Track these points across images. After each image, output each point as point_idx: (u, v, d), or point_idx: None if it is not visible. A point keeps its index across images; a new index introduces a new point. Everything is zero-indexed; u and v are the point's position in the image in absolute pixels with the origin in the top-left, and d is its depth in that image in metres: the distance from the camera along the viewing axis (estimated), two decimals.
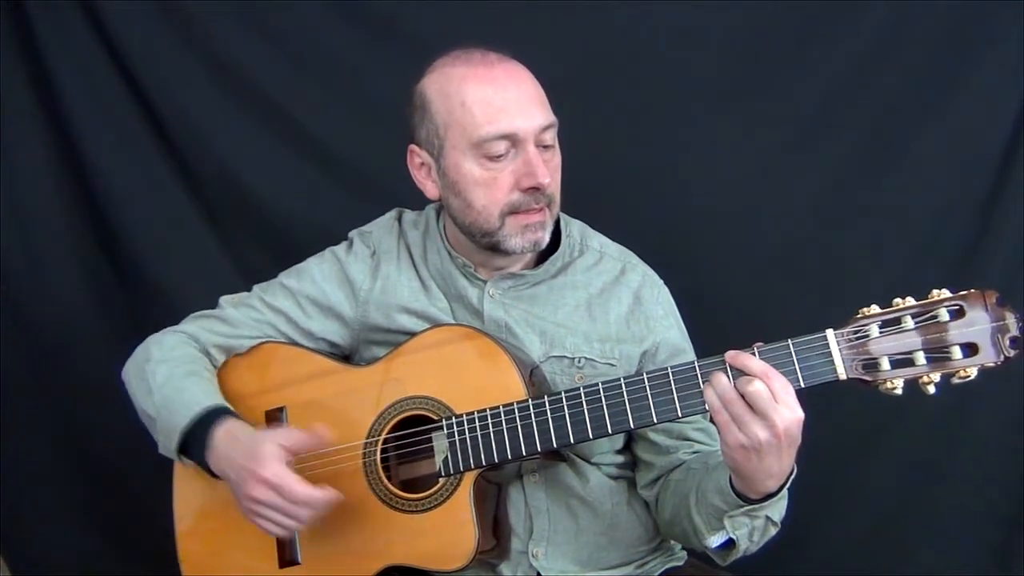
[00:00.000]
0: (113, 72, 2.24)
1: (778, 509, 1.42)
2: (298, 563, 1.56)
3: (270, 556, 1.58)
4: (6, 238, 2.26)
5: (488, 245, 1.56)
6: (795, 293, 2.16)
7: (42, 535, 2.32)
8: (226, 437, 1.51)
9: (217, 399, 1.57)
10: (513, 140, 1.51)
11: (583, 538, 1.59)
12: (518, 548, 1.57)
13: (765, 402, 1.28)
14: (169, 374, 1.59)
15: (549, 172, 1.52)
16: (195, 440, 1.53)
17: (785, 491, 1.40)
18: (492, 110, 1.50)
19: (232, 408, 1.57)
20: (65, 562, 2.32)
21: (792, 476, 1.37)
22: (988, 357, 1.26)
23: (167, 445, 1.56)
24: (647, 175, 2.17)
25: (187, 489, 1.66)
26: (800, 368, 1.32)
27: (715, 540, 1.45)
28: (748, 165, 2.17)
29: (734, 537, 1.43)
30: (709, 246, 2.18)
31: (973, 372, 1.27)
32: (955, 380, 1.29)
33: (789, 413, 1.29)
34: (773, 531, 1.45)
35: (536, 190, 1.51)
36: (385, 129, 2.21)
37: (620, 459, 1.62)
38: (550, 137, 1.54)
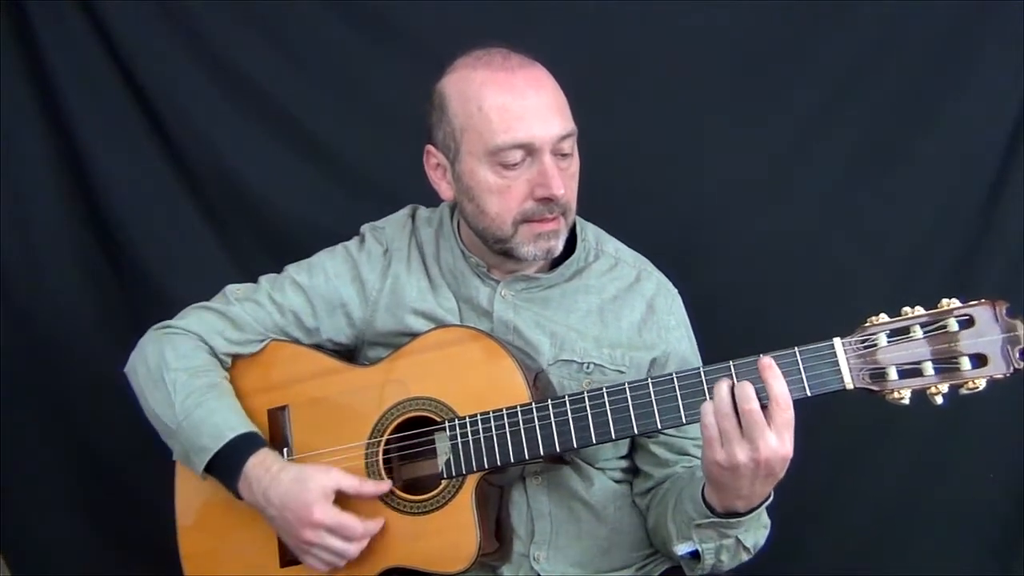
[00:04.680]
0: (113, 72, 2.24)
1: (752, 535, 1.42)
2: (299, 563, 1.56)
3: (271, 555, 1.58)
4: (6, 238, 2.26)
5: (500, 251, 1.55)
6: (796, 293, 2.16)
7: (42, 535, 2.32)
8: (259, 470, 1.51)
9: (245, 424, 1.56)
10: (529, 149, 1.49)
11: (585, 542, 1.58)
12: (519, 551, 1.56)
13: (756, 426, 1.27)
14: (190, 387, 1.57)
15: (565, 181, 1.51)
16: (222, 463, 1.53)
17: (758, 519, 1.39)
18: (509, 118, 1.48)
19: (259, 432, 1.56)
20: (65, 562, 2.31)
21: (765, 503, 1.37)
22: (997, 369, 1.26)
23: (190, 461, 1.55)
24: (646, 176, 2.17)
25: (189, 488, 1.66)
26: (807, 377, 1.32)
27: (681, 548, 1.45)
28: (748, 166, 2.16)
29: (699, 550, 1.43)
30: (709, 247, 2.18)
31: (982, 383, 1.26)
32: (963, 391, 1.28)
33: (777, 445, 1.28)
34: (745, 556, 1.45)
35: (550, 200, 1.50)
36: (385, 129, 2.23)
37: (624, 464, 1.62)
38: (568, 145, 1.53)
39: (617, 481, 1.61)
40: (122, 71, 2.24)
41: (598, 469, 1.59)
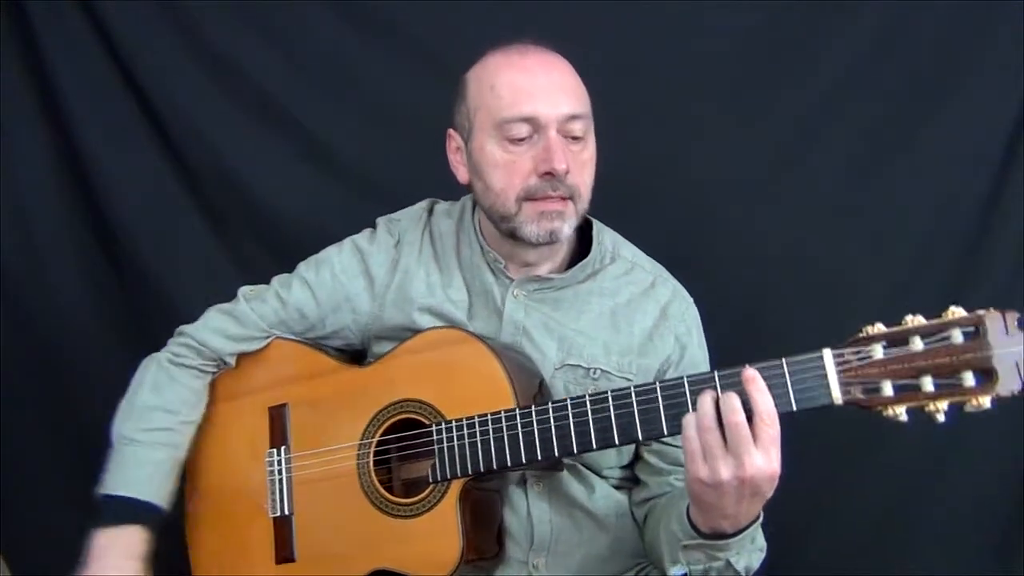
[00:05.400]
0: (113, 72, 2.24)
1: (744, 558, 1.36)
2: (294, 560, 1.57)
3: (267, 551, 1.58)
4: (6, 238, 2.26)
5: (508, 231, 1.54)
6: (796, 294, 2.16)
7: (42, 535, 2.32)
8: (114, 542, 1.57)
9: (148, 493, 1.58)
10: (535, 124, 1.49)
11: (585, 549, 1.57)
12: (518, 557, 1.55)
13: (742, 441, 1.22)
14: (144, 422, 1.61)
15: (576, 165, 1.50)
16: (108, 503, 1.58)
17: (751, 541, 1.34)
18: (517, 93, 1.50)
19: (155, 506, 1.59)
20: (65, 562, 2.31)
21: (755, 524, 1.32)
22: (1005, 386, 1.13)
23: (103, 479, 1.61)
24: (643, 177, 2.16)
25: (193, 485, 1.68)
26: (793, 390, 1.23)
27: (674, 570, 1.41)
28: (747, 167, 2.16)
29: (688, 572, 1.39)
30: (708, 247, 2.17)
31: (987, 402, 1.14)
32: (968, 408, 1.16)
33: (763, 462, 1.21)
34: None
35: (552, 176, 1.49)
36: (385, 129, 2.23)
37: (627, 472, 1.61)
38: (579, 129, 1.52)
39: (618, 487, 1.60)
40: (122, 71, 2.24)
41: (602, 477, 1.58)
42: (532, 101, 1.49)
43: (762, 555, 1.40)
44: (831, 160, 2.15)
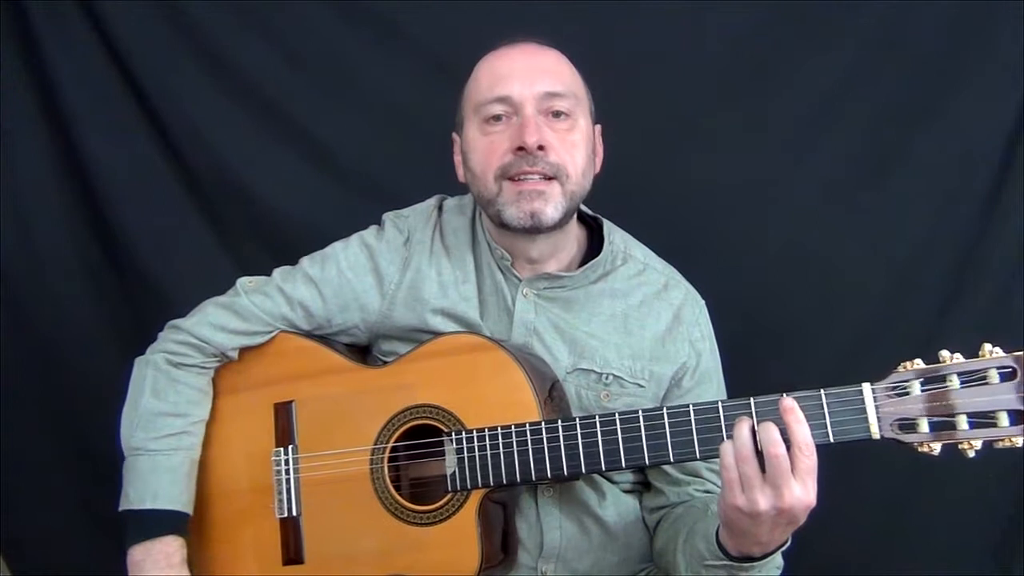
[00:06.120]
0: (113, 72, 2.24)
1: (763, 574, 1.37)
2: (302, 562, 1.55)
3: (274, 552, 1.57)
4: (6, 238, 2.26)
5: (495, 218, 1.53)
6: (795, 293, 2.16)
7: (42, 535, 2.32)
8: (161, 555, 1.52)
9: (175, 501, 1.55)
10: (511, 104, 1.50)
11: (594, 555, 1.56)
12: (527, 563, 1.54)
13: (782, 473, 1.22)
14: (152, 429, 1.57)
15: (563, 145, 1.49)
16: (135, 516, 1.54)
17: (774, 562, 1.34)
18: (494, 77, 1.52)
19: (183, 512, 1.56)
20: (65, 562, 2.31)
21: (782, 547, 1.33)
22: None
23: (123, 493, 1.56)
24: (645, 176, 2.16)
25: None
26: (831, 423, 1.26)
27: None
28: (747, 167, 2.16)
29: None
30: (708, 247, 2.16)
31: (1020, 441, 1.19)
32: (999, 446, 1.20)
33: (802, 493, 1.22)
34: None
35: (524, 150, 1.47)
36: (385, 129, 2.23)
37: (640, 477, 1.60)
38: (564, 106, 1.51)
39: (627, 492, 1.59)
40: (122, 71, 2.24)
41: (613, 483, 1.57)
42: (507, 82, 1.50)
43: (779, 572, 1.40)
44: (831, 160, 2.15)
